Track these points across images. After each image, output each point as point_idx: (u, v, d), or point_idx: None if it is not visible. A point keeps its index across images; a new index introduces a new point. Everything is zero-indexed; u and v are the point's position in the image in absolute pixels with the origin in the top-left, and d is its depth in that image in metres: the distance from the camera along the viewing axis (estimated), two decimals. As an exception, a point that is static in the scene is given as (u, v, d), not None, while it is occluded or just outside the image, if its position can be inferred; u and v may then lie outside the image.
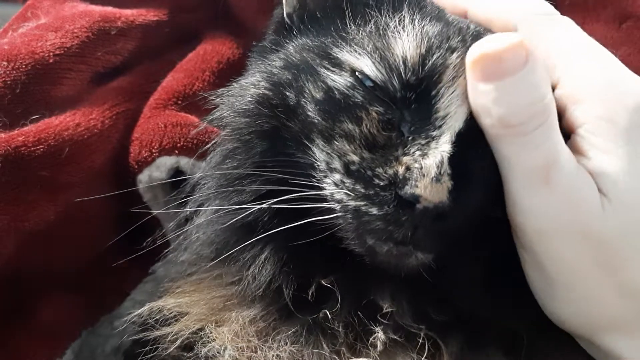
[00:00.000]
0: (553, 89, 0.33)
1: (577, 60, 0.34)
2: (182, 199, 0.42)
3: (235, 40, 0.56)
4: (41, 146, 0.42)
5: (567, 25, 0.36)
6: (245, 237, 0.36)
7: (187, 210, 0.41)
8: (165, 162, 0.47)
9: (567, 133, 0.34)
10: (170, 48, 0.57)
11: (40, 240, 0.44)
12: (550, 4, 0.37)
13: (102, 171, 0.47)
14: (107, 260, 0.50)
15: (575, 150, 0.33)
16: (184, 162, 0.46)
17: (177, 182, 0.47)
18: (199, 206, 0.40)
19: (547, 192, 0.32)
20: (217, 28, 0.58)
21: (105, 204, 0.47)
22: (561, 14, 0.37)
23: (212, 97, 0.42)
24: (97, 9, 0.54)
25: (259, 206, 0.35)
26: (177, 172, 0.48)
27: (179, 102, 0.50)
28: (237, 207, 0.36)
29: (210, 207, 0.39)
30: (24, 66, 0.45)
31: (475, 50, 0.31)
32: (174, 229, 0.43)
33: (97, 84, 0.51)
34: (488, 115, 0.32)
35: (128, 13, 0.54)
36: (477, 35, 0.37)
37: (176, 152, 0.47)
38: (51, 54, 0.47)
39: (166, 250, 0.43)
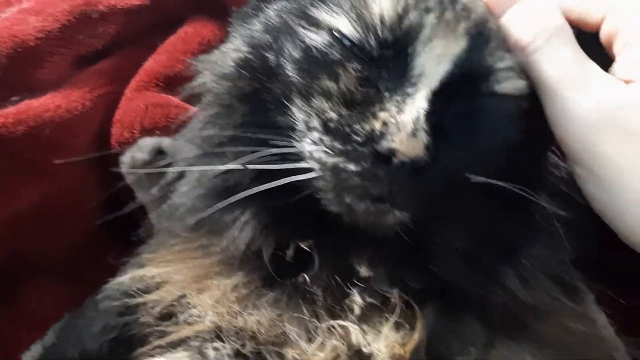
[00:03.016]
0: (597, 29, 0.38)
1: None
2: (164, 187, 0.43)
3: (217, 23, 0.56)
4: (21, 127, 0.42)
5: None
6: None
7: (165, 180, 0.41)
8: (147, 143, 0.47)
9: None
10: (153, 33, 0.57)
11: (25, 223, 0.44)
12: None
13: (85, 153, 0.47)
14: (95, 247, 0.50)
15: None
16: (166, 142, 0.46)
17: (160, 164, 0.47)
18: (180, 172, 0.40)
19: (575, 99, 0.35)
20: (199, 11, 0.58)
21: (89, 187, 0.47)
22: None
23: (194, 64, 0.42)
24: (80, -7, 0.53)
25: (238, 166, 0.35)
26: (159, 152, 0.48)
27: (160, 83, 0.50)
28: (218, 168, 0.36)
29: (192, 168, 0.39)
30: (5, 49, 0.46)
31: None
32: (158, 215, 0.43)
33: (80, 68, 0.51)
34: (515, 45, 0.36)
35: (110, -3, 0.54)
36: None
37: (157, 132, 0.47)
38: (32, 37, 0.47)
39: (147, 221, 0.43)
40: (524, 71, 0.36)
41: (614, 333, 0.43)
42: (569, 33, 0.37)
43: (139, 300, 0.38)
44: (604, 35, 0.38)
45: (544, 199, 0.37)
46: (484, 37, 0.36)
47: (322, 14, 0.36)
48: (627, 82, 0.36)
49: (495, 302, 0.36)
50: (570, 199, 0.40)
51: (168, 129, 0.47)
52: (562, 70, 0.35)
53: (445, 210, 0.35)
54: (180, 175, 0.41)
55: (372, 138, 0.32)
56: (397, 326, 0.35)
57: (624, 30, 0.37)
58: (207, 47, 0.54)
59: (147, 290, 0.39)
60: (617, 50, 0.37)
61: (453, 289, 0.36)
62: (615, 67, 0.37)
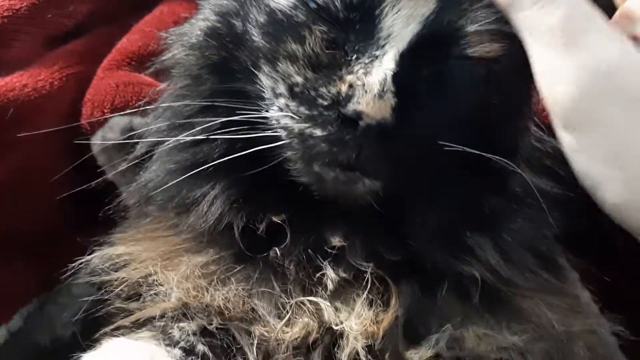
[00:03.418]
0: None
1: None
2: (133, 161, 0.42)
3: (193, 3, 0.55)
4: (-16, 107, 0.41)
5: None
6: (196, 175, 0.36)
7: (134, 154, 0.41)
8: (118, 122, 0.46)
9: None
10: (128, 13, 0.56)
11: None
12: None
13: (53, 132, 0.46)
14: (65, 227, 0.49)
15: None
16: (138, 121, 0.45)
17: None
18: (149, 147, 0.40)
19: (572, 54, 0.31)
20: (175, -8, 0.57)
21: (58, 165, 0.45)
22: None
23: (166, 37, 0.42)
24: (50, -29, 0.52)
25: (206, 136, 0.35)
26: (131, 132, 0.46)
27: (133, 62, 0.49)
28: (187, 139, 0.36)
29: (160, 139, 0.38)
30: (-31, 29, 0.44)
31: None
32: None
33: (50, 47, 0.50)
34: None
35: (82, -25, 0.53)
36: None
37: (128, 110, 0.46)
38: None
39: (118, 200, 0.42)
40: (506, 27, 0.34)
41: (597, 310, 0.42)
42: None
43: (105, 278, 0.37)
44: (622, 11, 0.35)
45: (525, 171, 0.36)
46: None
47: None
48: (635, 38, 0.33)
49: (472, 276, 0.35)
50: (555, 173, 0.39)
51: (139, 107, 0.45)
52: (559, 20, 0.31)
53: (418, 180, 0.34)
54: (150, 150, 0.40)
55: (339, 101, 0.31)
56: (371, 303, 0.34)
57: None
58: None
59: (114, 269, 0.38)
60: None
61: (429, 262, 0.35)
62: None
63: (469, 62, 0.35)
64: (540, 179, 0.38)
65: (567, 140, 0.34)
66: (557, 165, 0.38)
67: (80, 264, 0.39)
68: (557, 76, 0.32)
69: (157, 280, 0.36)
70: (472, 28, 0.34)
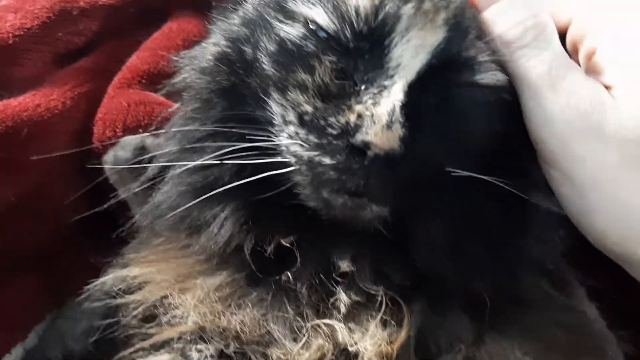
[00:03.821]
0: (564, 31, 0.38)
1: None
2: (145, 182, 0.42)
3: (201, 18, 0.55)
4: (-1, 127, 0.41)
5: None
6: (207, 197, 0.36)
7: (146, 176, 0.41)
8: (130, 142, 0.46)
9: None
10: (136, 28, 0.56)
11: (1, 222, 0.43)
12: None
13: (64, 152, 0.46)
14: (76, 242, 0.49)
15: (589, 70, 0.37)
16: (149, 140, 0.46)
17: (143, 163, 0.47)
18: (160, 169, 0.40)
19: (555, 98, 0.34)
20: (183, 7, 0.57)
21: (69, 185, 0.46)
22: None
23: (177, 59, 0.42)
24: (60, -12, 0.52)
25: (216, 160, 0.35)
26: (142, 151, 0.47)
27: (144, 81, 0.49)
28: (197, 163, 0.36)
29: (172, 163, 0.39)
30: (-19, 48, 0.45)
31: None
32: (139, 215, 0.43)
33: (60, 65, 0.50)
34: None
35: (91, -8, 0.53)
36: None
37: (140, 130, 0.46)
38: (10, 35, 0.46)
39: (132, 221, 0.43)
40: (503, 65, 0.36)
41: (605, 326, 0.42)
42: (554, 32, 0.36)
43: (121, 301, 0.38)
44: (569, 38, 0.38)
45: (533, 193, 0.37)
46: (463, 27, 0.35)
47: (298, 5, 0.36)
48: (606, 87, 0.36)
49: (482, 295, 0.35)
50: None
51: (151, 126, 0.46)
52: (545, 69, 0.35)
53: (425, 204, 0.35)
54: (162, 172, 0.41)
55: (347, 131, 0.32)
56: (384, 323, 0.35)
57: (590, 35, 0.37)
58: (191, 43, 0.53)
59: (129, 291, 0.38)
60: (582, 54, 0.37)
61: (438, 283, 0.36)
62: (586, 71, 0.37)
63: (477, 90, 0.35)
64: (548, 200, 0.39)
65: (551, 175, 0.37)
66: None
67: (95, 285, 0.39)
68: (541, 119, 0.35)
69: (173, 304, 0.36)
70: (480, 57, 0.35)
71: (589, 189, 0.35)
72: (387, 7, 0.34)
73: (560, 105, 0.35)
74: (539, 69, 0.35)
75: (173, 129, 0.41)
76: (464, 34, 0.35)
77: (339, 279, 0.35)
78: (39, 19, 0.48)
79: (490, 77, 0.35)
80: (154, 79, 0.50)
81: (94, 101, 0.49)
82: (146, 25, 0.56)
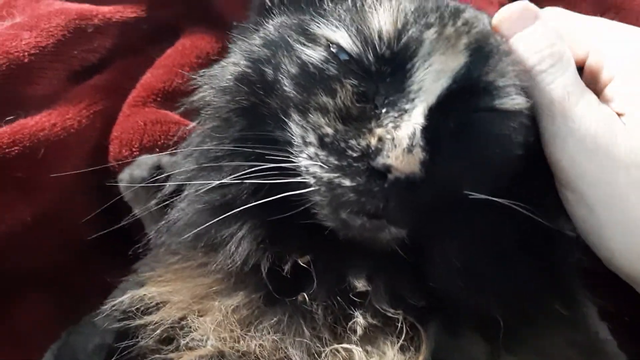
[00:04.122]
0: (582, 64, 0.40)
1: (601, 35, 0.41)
2: (162, 200, 0.42)
3: (214, 34, 0.56)
4: (16, 147, 0.42)
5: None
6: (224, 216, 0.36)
7: (163, 193, 0.41)
8: (147, 161, 0.46)
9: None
10: (148, 44, 0.56)
11: (17, 241, 0.43)
12: None
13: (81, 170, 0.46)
14: (89, 259, 0.49)
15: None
16: (165, 159, 0.46)
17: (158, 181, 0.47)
18: (178, 186, 0.40)
19: (569, 121, 0.36)
20: (196, 23, 0.58)
21: (84, 203, 0.46)
22: (542, 4, 0.41)
23: (195, 78, 0.42)
24: (74, 6, 0.53)
25: (235, 180, 0.35)
26: (158, 170, 0.47)
27: (159, 99, 0.50)
28: (216, 182, 0.36)
29: (190, 182, 0.39)
30: (-2, 66, 0.45)
31: (498, 16, 0.39)
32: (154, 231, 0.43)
33: (74, 82, 0.50)
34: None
35: (105, 10, 0.54)
36: (456, 12, 0.37)
37: (157, 150, 0.46)
38: (26, 53, 0.47)
39: (147, 239, 0.43)
40: (525, 90, 0.37)
41: (616, 346, 0.43)
42: (571, 61, 0.38)
43: (140, 322, 0.38)
44: (588, 69, 0.40)
45: (549, 216, 0.37)
46: (484, 52, 0.36)
47: (322, 29, 0.36)
48: (618, 114, 0.37)
49: (495, 316, 0.36)
50: None
51: (167, 146, 0.46)
52: (560, 93, 0.37)
53: (442, 226, 0.35)
54: (179, 189, 0.41)
55: (368, 154, 0.32)
56: (402, 348, 0.35)
57: (608, 66, 0.39)
58: (205, 60, 0.54)
59: (146, 311, 0.38)
60: (602, 84, 0.39)
61: (453, 304, 0.36)
62: (603, 100, 0.38)
63: (496, 115, 0.36)
64: (562, 224, 0.39)
65: (566, 197, 0.38)
66: None
67: (113, 305, 0.39)
68: (556, 140, 0.37)
69: (191, 326, 0.36)
70: (500, 82, 0.35)
71: (601, 208, 0.36)
72: (410, 32, 0.34)
73: (573, 127, 0.36)
74: (555, 92, 0.37)
75: (190, 147, 0.41)
76: (485, 59, 0.36)
77: (355, 299, 0.35)
78: (54, 37, 0.49)
79: (509, 102, 0.36)
80: (169, 96, 0.50)
81: (108, 119, 0.49)
82: (159, 42, 0.57)
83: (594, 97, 0.38)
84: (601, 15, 0.58)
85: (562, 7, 0.57)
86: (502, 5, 0.57)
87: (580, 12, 0.57)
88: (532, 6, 0.39)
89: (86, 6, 0.53)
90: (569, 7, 0.56)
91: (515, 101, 0.36)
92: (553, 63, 0.37)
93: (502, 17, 0.39)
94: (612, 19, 0.57)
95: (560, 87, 0.37)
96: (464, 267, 0.36)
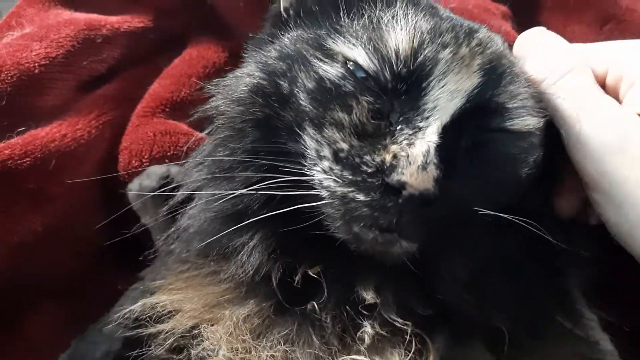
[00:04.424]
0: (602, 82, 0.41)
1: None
2: (172, 208, 0.43)
3: (220, 44, 0.56)
4: (28, 159, 0.42)
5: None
6: (235, 225, 0.37)
7: (174, 201, 0.41)
8: (156, 171, 0.47)
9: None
10: (155, 53, 0.57)
11: (28, 251, 0.43)
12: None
13: (90, 180, 0.47)
14: (96, 267, 0.50)
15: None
16: (175, 170, 0.46)
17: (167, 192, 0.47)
18: (189, 195, 0.40)
19: (589, 124, 0.37)
20: (202, 32, 0.58)
21: (93, 212, 0.47)
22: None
23: (209, 87, 0.42)
24: (82, 16, 0.53)
25: (245, 190, 0.36)
26: (167, 180, 0.48)
27: (167, 109, 0.50)
28: (228, 192, 0.37)
29: (201, 192, 0.39)
30: (9, 77, 0.45)
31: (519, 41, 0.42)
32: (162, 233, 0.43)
33: (83, 92, 0.51)
34: None
35: (113, 20, 0.54)
36: (470, 32, 0.38)
37: (166, 160, 0.47)
38: (37, 64, 0.47)
39: (155, 248, 0.43)
40: (541, 105, 0.38)
41: (617, 355, 0.43)
42: (586, 70, 0.39)
43: (151, 330, 0.38)
44: (609, 83, 0.40)
45: (555, 233, 0.38)
46: (498, 72, 0.37)
47: (339, 45, 0.37)
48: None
49: (500, 327, 0.36)
50: (577, 232, 0.41)
51: (177, 157, 0.47)
52: (580, 100, 0.38)
53: (451, 240, 0.36)
54: (189, 198, 0.41)
55: (382, 170, 0.33)
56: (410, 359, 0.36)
57: (627, 73, 0.39)
58: (212, 70, 0.54)
59: (158, 319, 0.38)
60: (623, 91, 0.39)
61: (459, 315, 0.36)
62: (624, 104, 0.39)
63: (508, 135, 0.36)
64: (568, 241, 0.40)
65: (595, 200, 0.38)
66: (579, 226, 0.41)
67: (125, 313, 0.40)
68: (578, 144, 0.38)
69: (202, 335, 0.37)
70: (511, 103, 0.36)
71: (629, 206, 0.36)
72: (427, 51, 0.35)
73: (594, 129, 0.37)
74: (573, 101, 0.38)
75: (201, 156, 0.42)
76: (497, 79, 0.36)
77: (363, 310, 0.36)
78: (64, 47, 0.49)
79: (520, 122, 0.36)
80: (177, 106, 0.51)
81: (117, 129, 0.50)
82: (166, 51, 0.57)
83: (613, 101, 0.39)
84: (603, 26, 0.60)
85: (564, 18, 0.58)
86: (504, 15, 0.58)
87: (582, 23, 0.58)
88: (548, 32, 0.42)
89: (94, 16, 0.54)
90: (572, 19, 0.58)
91: (525, 122, 0.37)
92: (563, 74, 0.38)
93: (520, 41, 0.42)
94: (614, 30, 0.59)
95: (576, 97, 0.38)
96: (471, 280, 0.37)
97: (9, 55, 0.47)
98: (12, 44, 0.48)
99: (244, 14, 0.57)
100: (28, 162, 0.42)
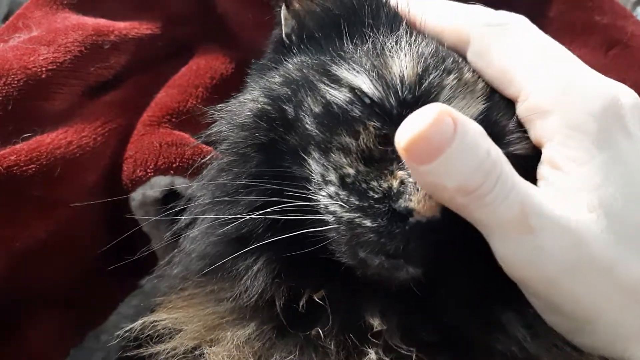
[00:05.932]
0: (515, 102, 0.35)
1: (535, 70, 0.34)
2: (173, 216, 0.43)
3: (228, 54, 0.56)
4: (33, 165, 0.42)
5: (522, 32, 0.36)
6: (239, 249, 0.36)
7: (178, 226, 0.41)
8: (160, 182, 0.47)
9: (538, 147, 0.35)
10: (163, 61, 0.56)
11: (31, 259, 0.43)
12: (538, 26, 0.39)
13: (94, 188, 0.47)
14: (95, 274, 0.49)
15: (551, 164, 0.34)
16: (179, 181, 0.46)
17: (169, 199, 0.47)
18: (193, 218, 0.40)
19: (535, 239, 0.31)
20: (210, 41, 0.58)
21: (96, 220, 0.46)
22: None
23: (211, 112, 0.42)
24: (90, 21, 0.53)
25: (253, 216, 0.36)
26: (170, 190, 0.47)
27: (173, 119, 0.50)
28: (232, 217, 0.37)
29: (205, 216, 0.39)
30: (16, 82, 0.45)
31: (402, 137, 0.29)
32: (164, 247, 0.43)
33: (89, 98, 0.50)
34: (444, 191, 0.30)
35: (121, 26, 0.54)
36: None
37: (171, 172, 0.47)
38: (44, 69, 0.47)
39: (158, 265, 0.43)
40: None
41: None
42: (508, 164, 0.31)
43: (152, 350, 0.38)
44: (524, 108, 0.35)
45: None
46: (498, 97, 0.37)
47: (343, 72, 0.37)
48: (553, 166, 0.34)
49: (502, 351, 0.36)
50: None
51: (182, 168, 0.46)
52: (516, 212, 0.30)
53: (455, 264, 0.36)
54: (193, 221, 0.41)
55: (390, 196, 0.33)
56: None
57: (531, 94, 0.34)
58: (219, 81, 0.54)
59: (158, 339, 0.38)
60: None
61: (464, 340, 0.36)
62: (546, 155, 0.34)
63: (512, 159, 0.36)
64: None
65: (534, 303, 0.35)
66: None
67: (125, 331, 0.40)
68: (523, 262, 0.32)
69: (203, 356, 0.36)
70: (511, 126, 0.36)
71: (582, 318, 0.33)
72: (431, 77, 0.35)
73: (543, 246, 0.31)
74: (509, 213, 0.30)
75: (206, 180, 0.41)
76: (498, 103, 0.36)
77: (370, 337, 0.35)
78: (71, 52, 0.49)
79: (522, 147, 0.36)
80: (184, 117, 0.50)
81: (123, 137, 0.49)
82: (173, 59, 0.57)
83: (546, 195, 0.32)
84: (608, 51, 0.60)
85: (569, 41, 0.58)
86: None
87: (588, 47, 0.58)
88: (446, 109, 0.29)
89: (102, 21, 0.53)
90: (577, 42, 0.58)
91: (525, 146, 0.37)
92: (497, 178, 0.30)
93: (412, 137, 0.28)
94: (619, 54, 0.59)
95: (514, 205, 0.30)
96: (476, 303, 0.37)
97: (16, 58, 0.46)
98: (19, 47, 0.48)
99: (252, 26, 0.57)
100: (33, 169, 0.42)
